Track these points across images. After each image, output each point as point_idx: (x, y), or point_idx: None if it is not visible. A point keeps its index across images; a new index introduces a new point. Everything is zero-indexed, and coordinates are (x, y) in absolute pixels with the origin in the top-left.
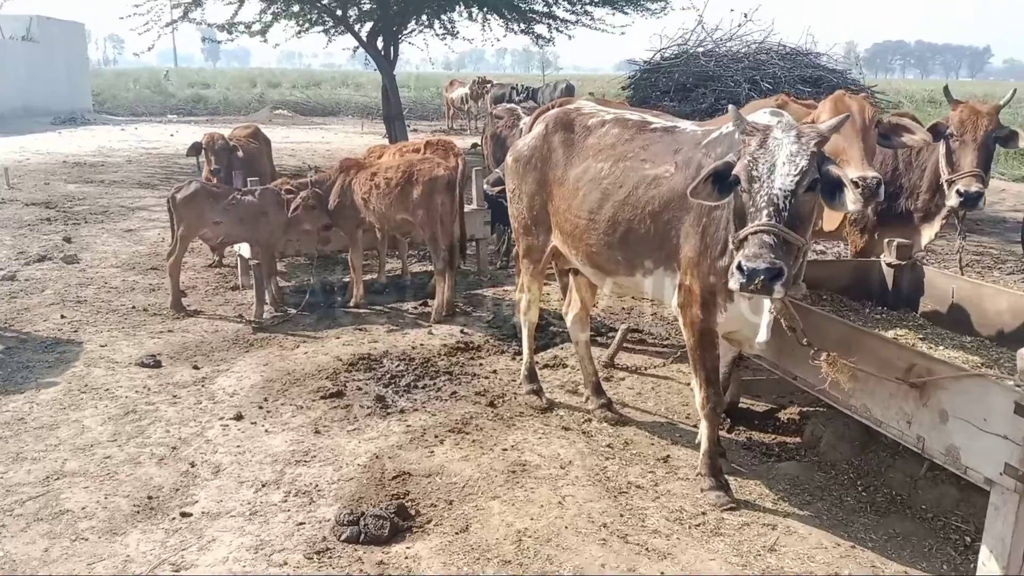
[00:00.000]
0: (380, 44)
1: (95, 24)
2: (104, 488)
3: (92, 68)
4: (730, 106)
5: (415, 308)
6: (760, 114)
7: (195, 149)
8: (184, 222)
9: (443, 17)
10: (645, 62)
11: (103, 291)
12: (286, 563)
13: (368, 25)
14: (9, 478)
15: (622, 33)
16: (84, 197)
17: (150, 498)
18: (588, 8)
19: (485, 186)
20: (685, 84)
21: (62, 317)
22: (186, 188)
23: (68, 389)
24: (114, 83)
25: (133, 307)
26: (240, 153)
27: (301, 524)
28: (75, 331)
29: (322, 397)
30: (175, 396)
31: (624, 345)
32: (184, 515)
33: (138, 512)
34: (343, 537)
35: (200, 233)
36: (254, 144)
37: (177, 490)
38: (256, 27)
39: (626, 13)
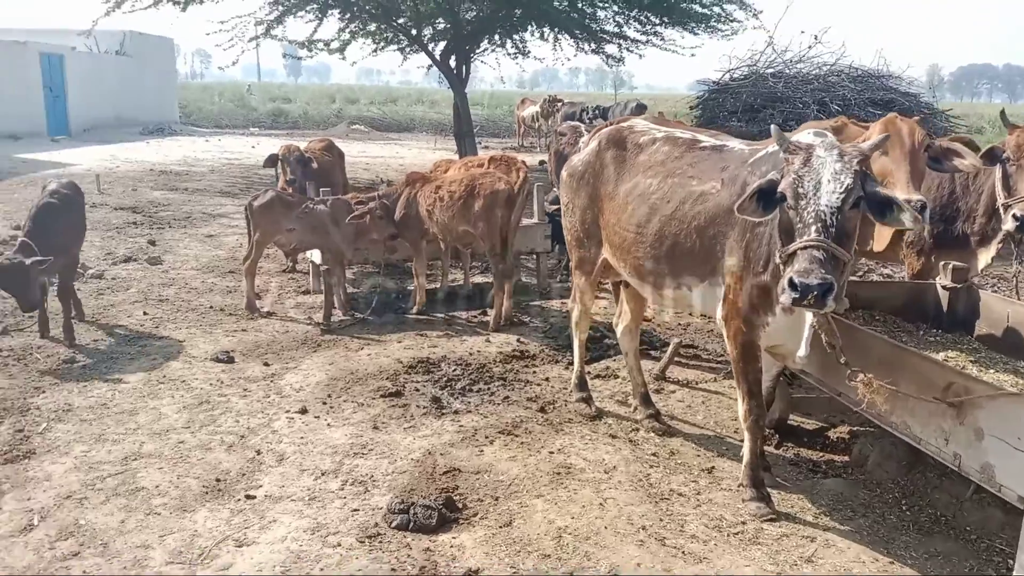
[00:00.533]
0: (453, 63)
1: (183, 39)
2: (177, 470)
3: (180, 81)
4: (772, 126)
5: (474, 317)
6: (803, 134)
7: (271, 160)
8: (260, 228)
9: (515, 37)
10: (714, 83)
11: (183, 291)
12: (340, 544)
13: (441, 44)
14: (92, 456)
15: (692, 55)
16: (169, 203)
17: (218, 480)
18: (658, 29)
19: (545, 203)
20: (753, 105)
21: (145, 314)
22: (263, 196)
23: (148, 379)
24: (200, 96)
25: (211, 307)
26: (315, 165)
27: (356, 510)
28: (156, 327)
29: (382, 396)
30: (246, 389)
31: (677, 359)
32: (249, 497)
33: (207, 492)
34: (394, 524)
35: (275, 239)
36: (328, 157)
37: (243, 475)
38: (335, 44)
39: (696, 34)
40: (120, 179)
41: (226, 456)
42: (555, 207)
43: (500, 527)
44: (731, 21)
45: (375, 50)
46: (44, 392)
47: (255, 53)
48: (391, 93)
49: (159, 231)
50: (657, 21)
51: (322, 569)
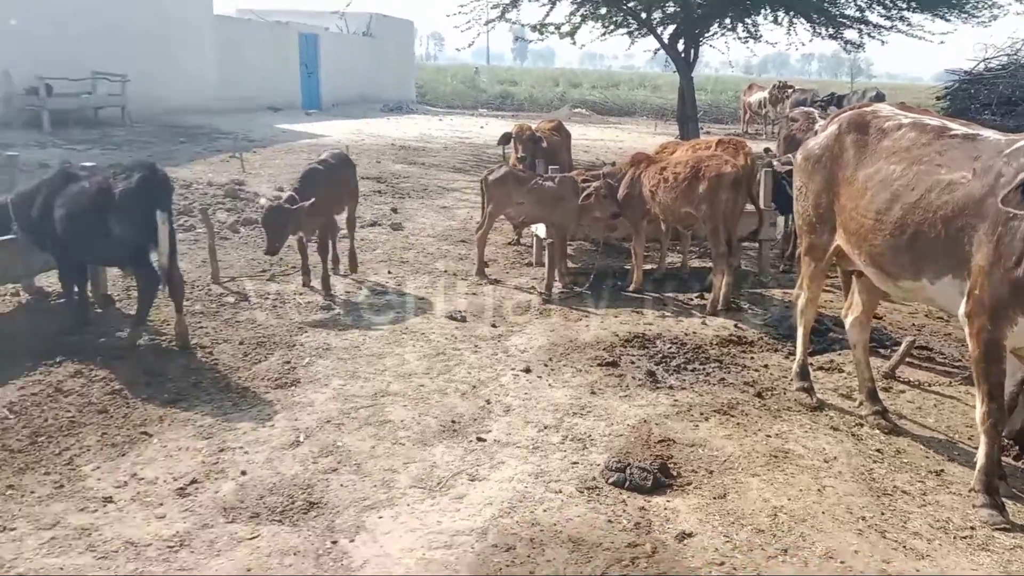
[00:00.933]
0: (681, 47)
1: (420, 22)
2: (418, 409)
3: (416, 63)
4: None
5: (691, 299)
6: None
7: (506, 138)
8: (493, 201)
9: (747, 20)
10: (966, 72)
11: (421, 255)
12: (561, 491)
13: (670, 28)
14: (347, 390)
15: (941, 42)
16: (408, 176)
17: (453, 422)
18: (905, 13)
19: (775, 163)
20: (1011, 97)
21: (389, 273)
22: (497, 171)
23: (392, 329)
24: (434, 77)
25: (445, 271)
26: (544, 144)
27: (575, 463)
28: (399, 285)
29: (599, 365)
30: (476, 346)
31: (908, 359)
32: (479, 440)
33: (443, 431)
34: (610, 481)
35: (505, 211)
36: (556, 137)
37: (475, 420)
38: (565, 28)
39: (947, 20)
40: (365, 151)
41: (460, 402)
42: (788, 167)
43: (714, 498)
44: (989, 6)
45: (604, 34)
46: (306, 332)
47: (486, 37)
48: (613, 77)
49: (400, 200)
50: (904, 5)
51: (545, 510)
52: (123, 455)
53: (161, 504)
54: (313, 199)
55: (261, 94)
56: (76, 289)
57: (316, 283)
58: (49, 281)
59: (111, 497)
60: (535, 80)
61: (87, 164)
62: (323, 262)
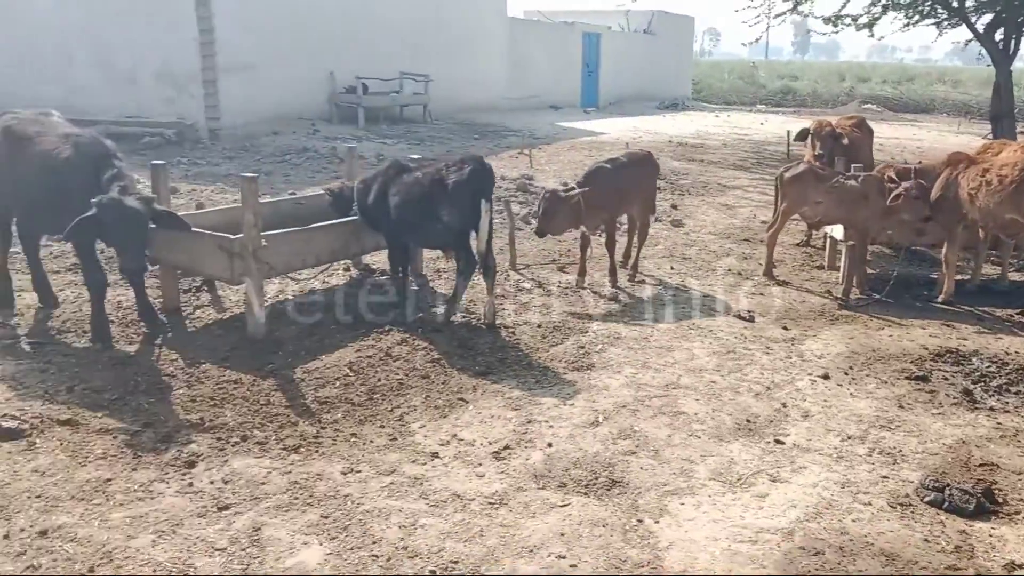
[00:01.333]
0: (999, 36)
1: (697, 18)
2: (711, 404)
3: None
4: None
5: (1011, 315)
6: None
7: (803, 134)
8: (788, 199)
9: None
10: None
11: (703, 253)
12: (870, 504)
13: (987, 16)
14: (639, 378)
15: None
16: (687, 173)
17: (748, 421)
18: None
19: None
20: None
21: (671, 268)
22: (794, 168)
23: (679, 324)
24: (709, 73)
25: (728, 270)
26: (845, 141)
27: (885, 477)
28: (682, 280)
29: (906, 378)
30: (768, 348)
31: None
32: (778, 442)
33: (739, 429)
34: (926, 500)
35: (800, 210)
36: (857, 133)
37: (771, 422)
38: (863, 20)
39: None
40: (644, 148)
41: (754, 402)
42: None
43: None
44: None
45: (907, 24)
46: (596, 320)
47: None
48: (906, 71)
49: (680, 197)
50: None
51: (854, 520)
52: (444, 417)
53: (480, 464)
54: (586, 188)
55: (544, 93)
56: (400, 268)
57: (601, 276)
58: (373, 259)
59: (437, 453)
60: (818, 74)
61: (414, 157)
62: (610, 255)
